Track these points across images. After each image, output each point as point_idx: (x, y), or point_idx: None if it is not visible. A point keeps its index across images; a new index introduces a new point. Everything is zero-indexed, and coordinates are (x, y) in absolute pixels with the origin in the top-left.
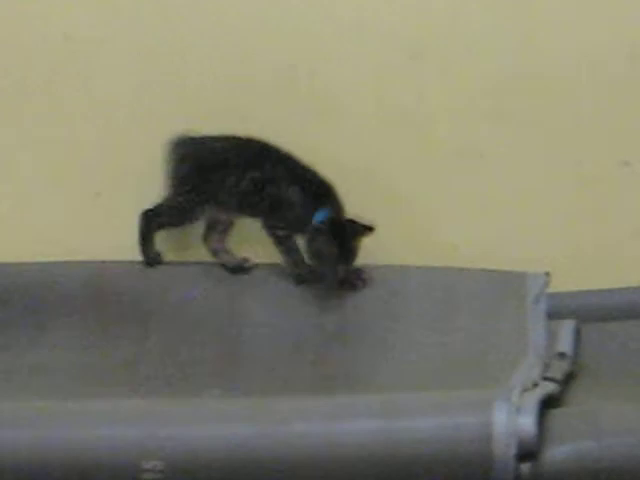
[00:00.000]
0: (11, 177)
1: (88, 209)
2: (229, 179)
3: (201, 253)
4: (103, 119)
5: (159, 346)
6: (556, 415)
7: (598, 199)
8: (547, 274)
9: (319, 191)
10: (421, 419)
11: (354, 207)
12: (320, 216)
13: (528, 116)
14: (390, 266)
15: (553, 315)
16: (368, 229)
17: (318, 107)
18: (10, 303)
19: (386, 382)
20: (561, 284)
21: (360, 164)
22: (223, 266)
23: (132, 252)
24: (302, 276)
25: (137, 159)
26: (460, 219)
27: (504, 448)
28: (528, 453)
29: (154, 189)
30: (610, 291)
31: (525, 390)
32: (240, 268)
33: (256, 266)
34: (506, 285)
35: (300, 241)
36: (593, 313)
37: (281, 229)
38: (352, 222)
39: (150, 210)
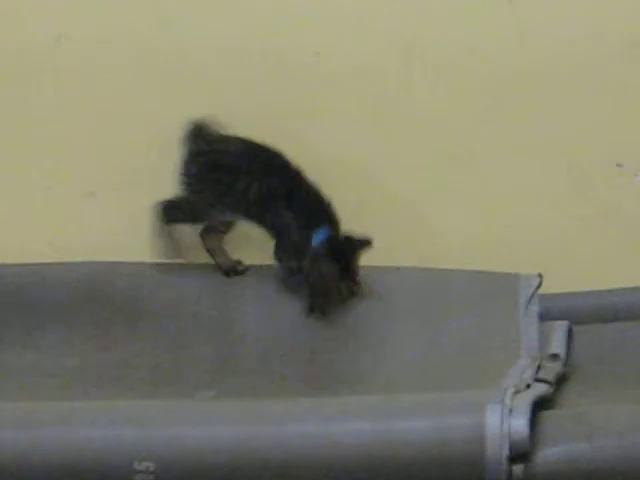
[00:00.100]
0: (4, 178)
1: (82, 210)
2: (238, 184)
3: (195, 253)
4: (97, 120)
5: (152, 347)
6: (548, 416)
7: (591, 201)
8: (540, 275)
9: (316, 213)
10: (414, 420)
11: (348, 208)
12: (318, 238)
13: (521, 117)
14: (383, 267)
15: (546, 316)
16: (366, 243)
17: (313, 107)
18: (2, 304)
19: (379, 383)
20: (554, 285)
21: (353, 164)
22: (217, 267)
23: (125, 253)
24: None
25: (131, 160)
26: (453, 220)
27: (497, 449)
28: (520, 454)
29: (149, 190)
30: (603, 293)
31: (518, 391)
32: (233, 270)
33: (249, 268)
34: (499, 286)
35: None
36: (586, 315)
37: (287, 258)
38: (349, 239)
39: (166, 202)
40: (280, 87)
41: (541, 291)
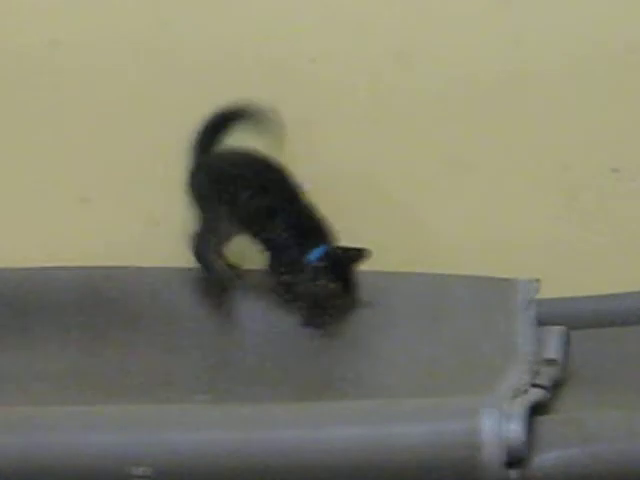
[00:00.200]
0: None
1: (77, 215)
2: (237, 198)
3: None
4: (93, 125)
5: (148, 352)
6: (544, 422)
7: (587, 206)
8: (537, 280)
9: (311, 229)
10: (409, 425)
11: (344, 213)
12: (316, 254)
13: (518, 122)
14: (379, 272)
15: (542, 321)
16: (363, 254)
17: (308, 113)
18: None
19: (376, 388)
20: (550, 291)
21: (349, 170)
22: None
23: (120, 258)
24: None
25: (127, 165)
26: (450, 225)
27: (493, 455)
28: (516, 460)
29: (144, 195)
30: (599, 298)
31: (514, 397)
32: (228, 276)
33: (243, 274)
34: (496, 292)
35: None
36: (582, 320)
37: (281, 273)
38: (347, 251)
39: (192, 239)
40: (276, 93)
41: (538, 296)
